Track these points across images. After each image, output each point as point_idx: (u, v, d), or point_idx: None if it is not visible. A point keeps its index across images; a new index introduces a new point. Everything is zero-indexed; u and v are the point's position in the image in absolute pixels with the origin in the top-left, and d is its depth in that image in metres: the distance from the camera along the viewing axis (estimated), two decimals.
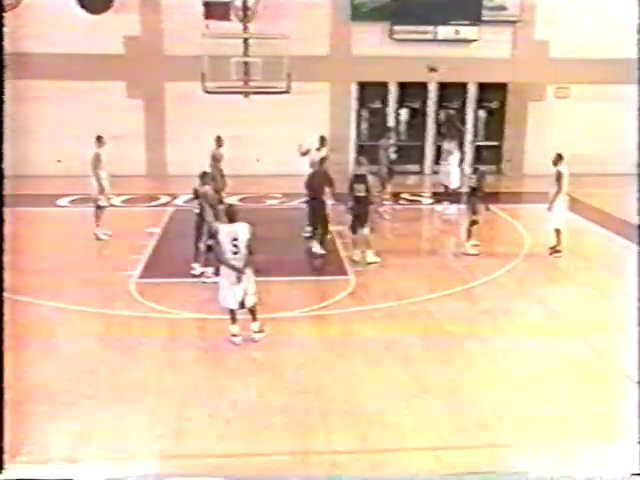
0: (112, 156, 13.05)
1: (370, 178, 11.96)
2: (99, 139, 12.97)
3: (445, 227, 14.71)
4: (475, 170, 13.18)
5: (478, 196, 12.26)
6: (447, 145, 16.15)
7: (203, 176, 10.87)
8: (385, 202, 15.07)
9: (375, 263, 11.59)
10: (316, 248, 12.12)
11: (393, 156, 15.63)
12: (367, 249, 11.72)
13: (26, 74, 15.90)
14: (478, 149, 19.89)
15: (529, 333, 9.21)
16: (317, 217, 12.28)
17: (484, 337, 8.85)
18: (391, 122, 19.29)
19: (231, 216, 8.44)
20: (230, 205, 9.28)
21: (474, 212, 12.21)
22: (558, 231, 12.08)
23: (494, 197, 14.43)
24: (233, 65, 15.90)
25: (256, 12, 17.39)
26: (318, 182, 12.11)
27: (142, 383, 7.55)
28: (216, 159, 13.95)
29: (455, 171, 15.43)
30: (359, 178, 11.68)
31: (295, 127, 17.60)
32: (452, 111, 19.82)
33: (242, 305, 8.39)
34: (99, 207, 12.98)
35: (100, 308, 9.60)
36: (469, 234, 12.36)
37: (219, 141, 14.32)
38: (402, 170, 19.56)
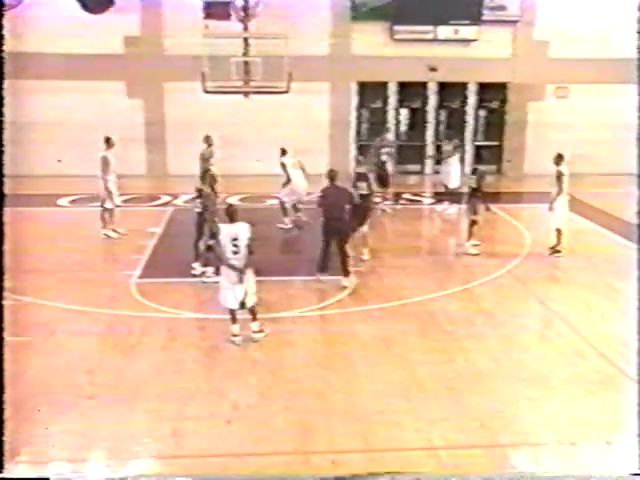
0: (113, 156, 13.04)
1: (371, 176, 11.97)
2: (108, 141, 12.89)
3: (445, 227, 14.72)
4: (474, 170, 13.18)
5: (478, 196, 12.26)
6: (446, 146, 16.14)
7: (203, 175, 10.87)
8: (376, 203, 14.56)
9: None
10: (346, 282, 10.47)
11: (385, 157, 15.25)
12: (364, 247, 11.79)
13: (26, 74, 15.92)
14: (478, 149, 19.91)
15: (529, 333, 9.23)
16: (337, 241, 10.49)
17: (484, 337, 8.85)
18: (391, 122, 19.32)
19: (231, 216, 8.43)
20: (230, 205, 9.26)
21: (474, 212, 12.21)
22: (559, 231, 12.09)
23: (494, 197, 14.42)
24: (233, 65, 15.91)
25: (256, 12, 17.41)
26: (337, 200, 10.39)
27: (142, 383, 7.55)
28: (204, 158, 13.85)
29: (455, 171, 15.43)
30: (361, 176, 11.73)
31: (295, 127, 17.62)
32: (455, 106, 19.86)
33: (242, 305, 8.39)
34: (105, 209, 13.00)
35: (100, 308, 9.60)
36: (469, 234, 12.36)
37: (208, 140, 14.25)
38: (403, 170, 19.68)
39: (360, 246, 11.77)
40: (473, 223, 12.28)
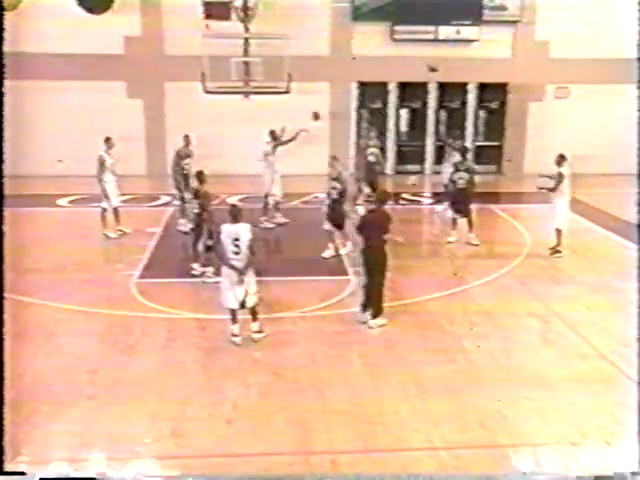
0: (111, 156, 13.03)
1: (346, 175, 12.31)
2: (107, 141, 12.82)
3: (445, 227, 14.69)
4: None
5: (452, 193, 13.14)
6: (449, 148, 16.14)
7: (200, 175, 10.87)
8: (358, 204, 13.98)
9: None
10: (379, 321, 9.17)
11: (372, 158, 14.99)
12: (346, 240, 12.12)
13: (26, 74, 15.93)
14: (478, 149, 19.91)
15: (529, 333, 9.22)
16: (377, 276, 9.13)
17: (484, 337, 8.85)
18: (391, 122, 19.31)
19: (234, 216, 8.43)
20: (234, 205, 9.26)
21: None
22: (559, 231, 12.10)
23: (494, 197, 14.44)
24: (233, 65, 15.95)
25: (256, 12, 17.44)
26: (380, 226, 9.12)
27: (142, 383, 7.55)
28: (179, 156, 13.69)
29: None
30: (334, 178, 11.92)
31: (295, 127, 17.60)
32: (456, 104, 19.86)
33: (243, 305, 8.40)
34: (104, 209, 13.00)
35: (100, 308, 9.60)
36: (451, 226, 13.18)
37: (187, 140, 14.05)
38: (402, 170, 19.70)
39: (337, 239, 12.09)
40: (454, 219, 13.07)
